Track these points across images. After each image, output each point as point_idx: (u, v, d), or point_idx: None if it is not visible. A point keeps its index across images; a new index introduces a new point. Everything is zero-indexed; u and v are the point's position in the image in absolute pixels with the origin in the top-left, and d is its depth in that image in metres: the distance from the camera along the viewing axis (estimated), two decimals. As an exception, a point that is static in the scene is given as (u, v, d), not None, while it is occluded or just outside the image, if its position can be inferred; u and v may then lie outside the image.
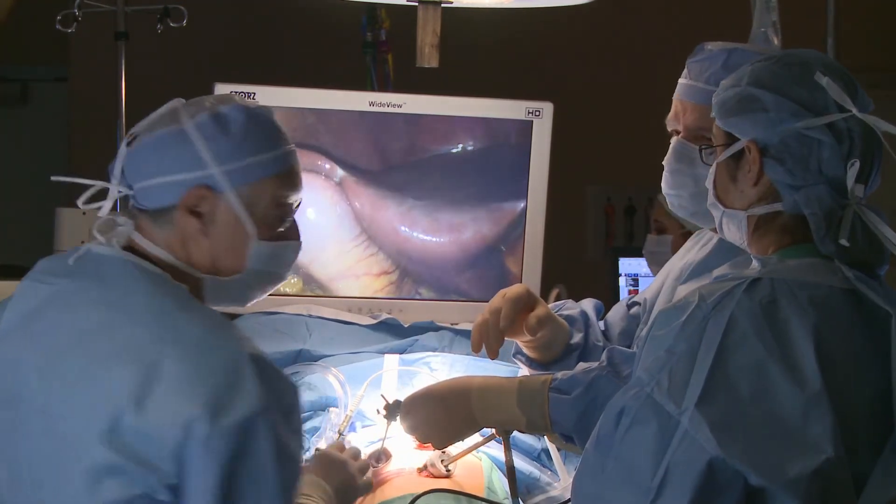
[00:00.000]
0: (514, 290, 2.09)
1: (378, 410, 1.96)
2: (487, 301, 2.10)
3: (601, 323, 2.22)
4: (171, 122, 1.64)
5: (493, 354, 2.06)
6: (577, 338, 2.13)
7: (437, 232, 2.53)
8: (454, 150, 2.52)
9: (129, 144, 1.65)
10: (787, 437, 1.39)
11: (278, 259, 1.71)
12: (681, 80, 2.02)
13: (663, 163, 2.03)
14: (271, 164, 1.66)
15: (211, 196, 1.63)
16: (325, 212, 2.50)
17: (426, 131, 2.50)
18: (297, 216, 1.73)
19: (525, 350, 2.14)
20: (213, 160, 1.63)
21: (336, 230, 2.50)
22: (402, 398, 1.94)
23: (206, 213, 1.63)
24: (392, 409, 1.93)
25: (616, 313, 2.24)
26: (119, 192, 1.65)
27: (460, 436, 1.90)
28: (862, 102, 1.56)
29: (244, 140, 1.64)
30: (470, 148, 2.52)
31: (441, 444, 1.90)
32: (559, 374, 1.85)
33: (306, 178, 1.72)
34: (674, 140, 2.02)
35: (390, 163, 2.50)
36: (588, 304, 2.24)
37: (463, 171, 2.52)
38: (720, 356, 1.44)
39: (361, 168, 2.49)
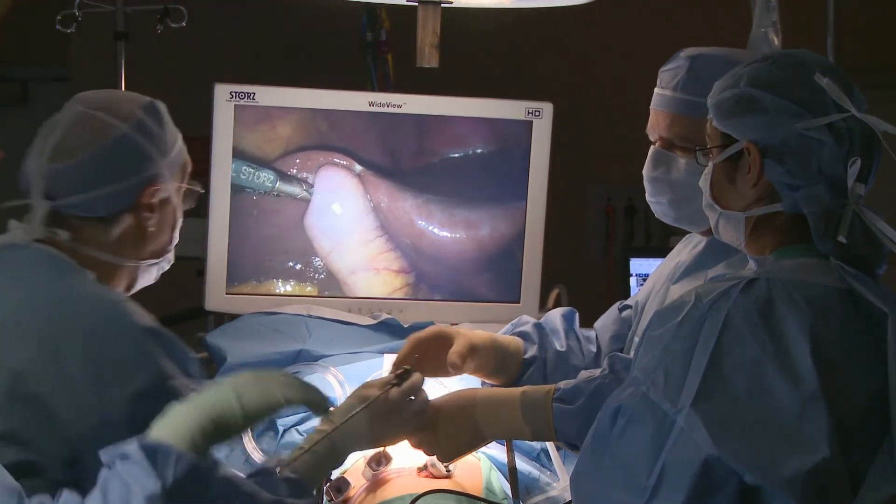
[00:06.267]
0: (418, 333, 2.02)
1: None
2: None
3: (586, 329, 2.21)
4: (102, 132, 1.71)
5: None
6: (531, 352, 2.11)
7: (436, 231, 2.52)
8: (454, 150, 2.51)
9: (52, 161, 1.73)
10: (783, 436, 1.39)
11: (183, 235, 1.85)
12: (655, 90, 2.02)
13: (643, 172, 2.04)
14: (184, 148, 1.80)
15: (161, 189, 1.75)
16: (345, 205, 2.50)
17: (426, 131, 2.50)
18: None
19: (479, 377, 2.11)
20: (159, 155, 1.74)
21: (345, 224, 2.50)
22: None
23: (157, 205, 1.75)
24: None
25: (608, 317, 2.23)
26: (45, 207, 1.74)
27: (469, 449, 1.88)
28: (858, 101, 1.57)
29: (169, 126, 1.78)
30: (470, 148, 2.51)
31: (448, 459, 1.89)
32: (562, 384, 1.85)
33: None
34: (651, 148, 2.03)
35: (391, 162, 2.50)
36: (554, 314, 2.21)
37: (463, 171, 2.51)
38: (716, 355, 1.44)
39: (371, 165, 2.49)
